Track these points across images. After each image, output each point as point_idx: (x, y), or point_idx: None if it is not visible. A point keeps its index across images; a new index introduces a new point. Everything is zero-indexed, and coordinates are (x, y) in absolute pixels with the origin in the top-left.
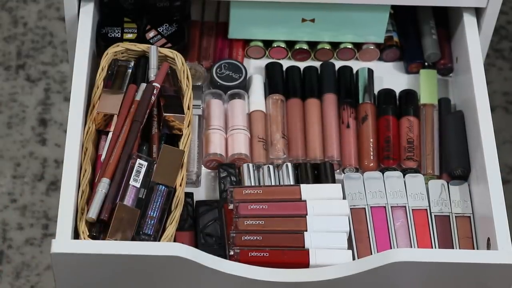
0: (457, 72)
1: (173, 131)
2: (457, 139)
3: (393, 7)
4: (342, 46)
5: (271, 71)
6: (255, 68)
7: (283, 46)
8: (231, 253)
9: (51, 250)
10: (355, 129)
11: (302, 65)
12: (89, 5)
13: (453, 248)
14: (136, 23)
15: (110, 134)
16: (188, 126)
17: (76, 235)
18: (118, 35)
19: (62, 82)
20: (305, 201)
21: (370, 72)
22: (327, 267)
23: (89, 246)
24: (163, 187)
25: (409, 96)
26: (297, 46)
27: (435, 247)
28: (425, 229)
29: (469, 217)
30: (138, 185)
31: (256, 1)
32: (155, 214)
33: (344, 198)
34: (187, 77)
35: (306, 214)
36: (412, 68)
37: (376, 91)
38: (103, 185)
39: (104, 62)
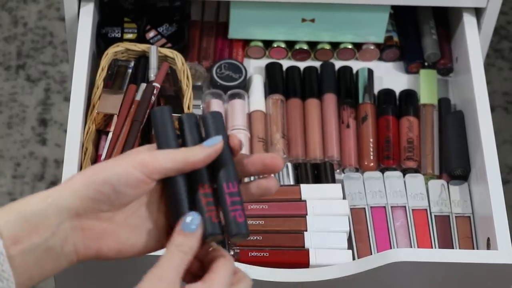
0: (457, 72)
1: None
2: (457, 139)
3: (393, 7)
4: (342, 46)
5: (271, 71)
6: (255, 68)
7: (283, 46)
8: (231, 253)
9: None
10: (355, 129)
11: (302, 65)
12: (89, 5)
13: (453, 248)
14: (136, 23)
15: (110, 134)
16: None
17: None
18: (118, 35)
19: (62, 82)
20: (305, 201)
21: (370, 72)
22: (327, 267)
23: None
24: None
25: (409, 96)
26: (297, 46)
27: (435, 247)
28: (425, 229)
29: (469, 217)
30: None
31: (256, 1)
32: None
33: (344, 198)
34: (187, 77)
35: (306, 214)
36: (412, 68)
37: (376, 91)
38: None
39: (104, 62)
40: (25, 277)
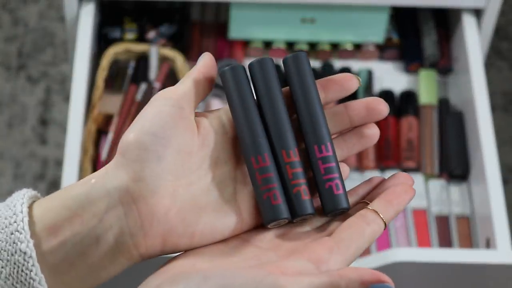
0: (457, 72)
1: None
2: (457, 139)
3: (393, 7)
4: (342, 46)
5: None
6: None
7: (283, 46)
8: None
9: None
10: None
11: None
12: (89, 5)
13: (452, 248)
14: (136, 23)
15: (110, 134)
16: None
17: None
18: (118, 35)
19: (62, 82)
20: None
21: (370, 73)
22: None
23: None
24: None
25: (409, 96)
26: (297, 46)
27: (435, 247)
28: (425, 229)
29: (469, 217)
30: None
31: (256, 2)
32: None
33: None
34: None
35: None
36: (412, 68)
37: (376, 91)
38: None
39: (104, 62)
40: (69, 279)
